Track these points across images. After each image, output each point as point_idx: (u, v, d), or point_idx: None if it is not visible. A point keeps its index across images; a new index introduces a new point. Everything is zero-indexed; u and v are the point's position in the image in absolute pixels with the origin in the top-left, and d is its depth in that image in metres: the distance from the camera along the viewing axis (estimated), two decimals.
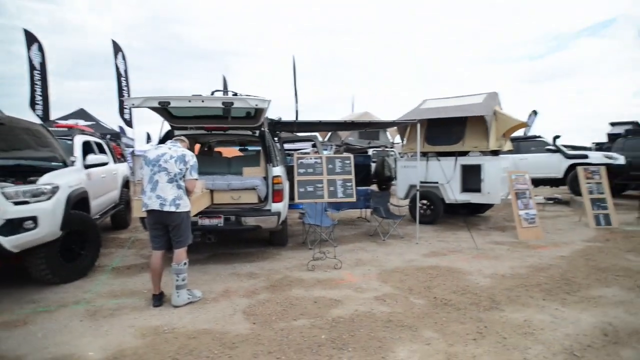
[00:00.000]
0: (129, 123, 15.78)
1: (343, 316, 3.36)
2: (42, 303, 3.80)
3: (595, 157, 10.05)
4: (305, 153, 7.96)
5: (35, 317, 3.46)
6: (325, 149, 14.64)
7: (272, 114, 5.81)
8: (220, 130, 5.32)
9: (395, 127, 8.20)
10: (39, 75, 13.51)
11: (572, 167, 9.87)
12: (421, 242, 6.13)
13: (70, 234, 4.35)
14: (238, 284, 4.28)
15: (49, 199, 3.97)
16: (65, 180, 4.32)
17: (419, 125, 6.09)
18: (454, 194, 7.05)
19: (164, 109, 5.01)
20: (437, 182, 7.33)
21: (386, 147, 13.19)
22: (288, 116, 6.06)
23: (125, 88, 15.67)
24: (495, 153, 7.29)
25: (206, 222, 4.83)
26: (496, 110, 7.10)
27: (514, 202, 6.42)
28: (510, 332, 3.01)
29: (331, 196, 4.97)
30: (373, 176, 12.76)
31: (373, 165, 12.43)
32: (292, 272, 4.69)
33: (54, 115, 14.59)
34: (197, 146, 7.46)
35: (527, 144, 11.11)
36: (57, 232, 4.07)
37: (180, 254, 3.64)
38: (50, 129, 4.74)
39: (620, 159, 9.97)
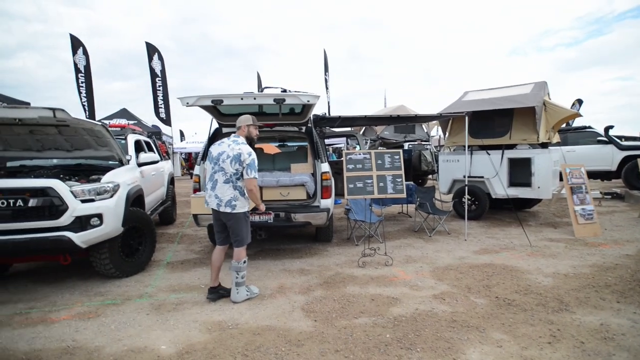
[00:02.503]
0: (165, 121, 16.30)
1: (404, 315, 3.31)
2: (109, 296, 3.97)
3: None
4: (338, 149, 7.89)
5: (104, 310, 3.62)
6: (358, 144, 14.54)
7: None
8: (268, 127, 5.35)
9: (435, 120, 7.96)
10: (83, 77, 14.17)
11: (626, 160, 9.28)
12: (469, 238, 5.95)
13: (129, 230, 4.53)
14: (291, 280, 4.31)
15: (111, 196, 4.15)
16: (124, 178, 4.49)
17: (467, 118, 5.88)
18: (500, 188, 6.79)
19: (213, 107, 5.09)
20: (482, 177, 7.09)
21: (422, 141, 12.91)
22: (318, 112, 6.00)
23: (160, 88, 16.11)
24: (544, 146, 6.95)
25: (256, 218, 4.88)
26: (546, 100, 6.76)
27: (569, 197, 6.10)
28: (588, 337, 2.86)
29: (381, 192, 4.90)
30: (410, 171, 12.56)
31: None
32: (343, 268, 4.68)
33: (98, 115, 15.30)
34: None
35: (575, 135, 10.54)
36: (120, 229, 4.24)
37: (240, 252, 3.69)
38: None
39: None
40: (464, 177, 7.18)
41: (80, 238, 3.84)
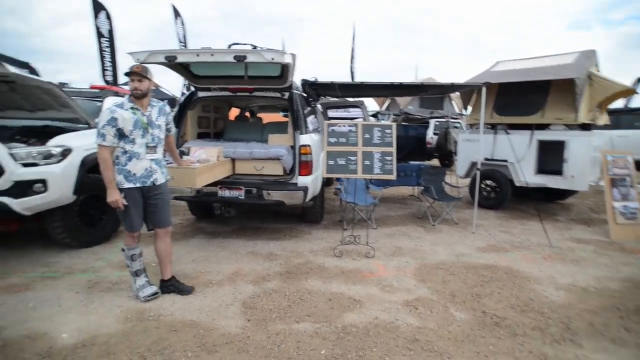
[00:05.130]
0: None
1: (357, 325, 2.69)
2: (53, 267, 3.69)
3: None
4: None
5: (38, 283, 3.32)
6: (383, 118, 13.56)
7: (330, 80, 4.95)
8: (246, 92, 4.73)
9: (459, 95, 6.91)
10: (107, 42, 14.07)
11: None
12: (479, 231, 5.11)
13: (91, 198, 4.19)
14: (251, 265, 3.80)
15: (59, 161, 3.77)
16: (82, 142, 4.09)
17: (484, 90, 4.90)
18: (525, 175, 5.79)
19: (184, 68, 4.54)
20: (505, 160, 6.09)
21: (451, 118, 11.72)
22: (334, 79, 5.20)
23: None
24: (585, 127, 5.79)
25: (226, 193, 4.38)
26: (592, 72, 5.56)
27: (608, 191, 5.03)
28: None
29: (366, 171, 4.18)
30: (434, 150, 11.52)
31: (434, 137, 11.15)
32: (317, 256, 4.10)
33: (122, 81, 15.30)
34: (235, 110, 7.04)
35: (630, 117, 8.98)
36: (71, 197, 3.90)
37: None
38: (72, 89, 4.54)
39: None
40: (486, 159, 6.27)
41: (20, 204, 3.52)
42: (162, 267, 3.18)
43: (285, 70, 4.20)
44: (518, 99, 6.01)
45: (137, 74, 2.83)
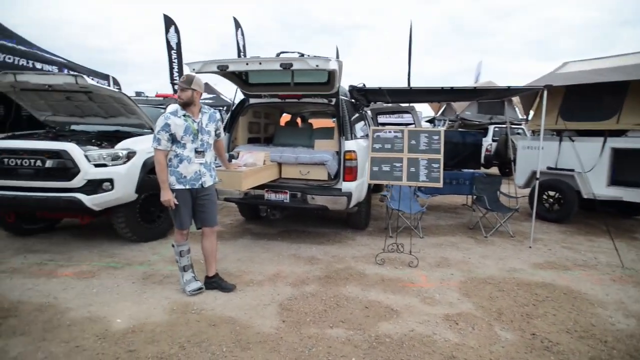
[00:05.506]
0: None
1: (391, 335, 2.62)
2: (117, 258, 4.06)
3: None
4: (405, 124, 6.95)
5: (102, 272, 3.68)
6: (438, 124, 13.07)
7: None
8: (295, 99, 4.86)
9: (511, 96, 6.43)
10: (175, 54, 15.34)
11: None
12: (536, 245, 4.71)
13: (151, 197, 4.56)
14: (292, 268, 3.87)
15: (124, 163, 4.17)
16: (144, 146, 4.47)
17: (545, 93, 4.52)
18: (596, 186, 5.22)
19: (238, 76, 4.79)
20: (572, 170, 5.55)
21: (513, 124, 10.95)
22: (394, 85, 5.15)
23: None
24: None
25: (272, 196, 4.52)
26: None
27: None
28: None
29: (411, 179, 4.06)
30: (493, 157, 10.87)
31: (493, 144, 10.51)
32: (358, 263, 4.06)
33: None
34: (286, 116, 7.24)
35: None
36: (133, 195, 4.28)
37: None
38: (141, 97, 4.99)
39: None
40: (549, 168, 5.78)
41: (91, 200, 3.95)
42: (207, 264, 3.36)
43: (331, 76, 4.25)
44: (588, 102, 5.46)
45: (179, 84, 3.07)
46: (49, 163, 3.88)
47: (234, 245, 4.60)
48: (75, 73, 4.03)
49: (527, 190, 6.38)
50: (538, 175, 4.74)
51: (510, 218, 5.38)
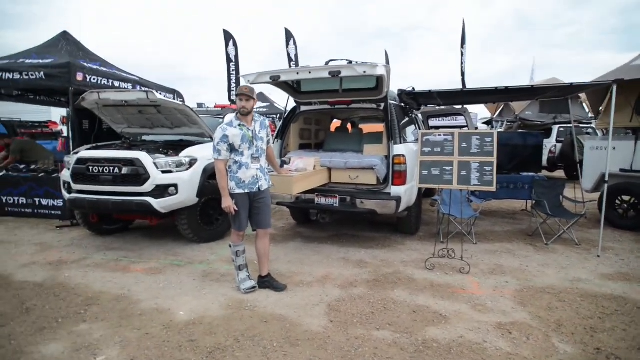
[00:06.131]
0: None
1: (439, 340, 2.59)
2: (180, 257, 4.44)
3: None
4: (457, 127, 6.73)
5: (168, 269, 4.05)
6: (496, 125, 12.43)
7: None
8: (344, 105, 4.97)
9: (576, 93, 5.93)
10: (234, 66, 16.26)
11: None
12: (606, 254, 4.33)
13: (210, 201, 4.91)
14: (341, 271, 3.95)
15: (187, 169, 4.56)
16: (205, 153, 4.85)
17: (614, 88, 4.15)
18: None
19: (290, 85, 5.01)
20: None
21: (581, 123, 10.10)
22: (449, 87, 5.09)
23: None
24: None
25: (322, 201, 4.65)
26: None
27: None
28: None
29: (462, 182, 3.96)
30: (558, 160, 10.09)
31: (558, 145, 9.76)
32: (407, 267, 4.04)
33: None
34: (336, 122, 7.37)
35: None
36: (194, 199, 4.65)
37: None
38: (202, 109, 5.41)
39: None
40: (622, 170, 5.27)
41: (159, 204, 4.37)
42: (260, 265, 3.57)
43: (380, 82, 4.30)
44: None
45: (245, 94, 3.28)
46: (124, 170, 4.37)
47: (285, 247, 4.80)
48: (146, 89, 4.52)
49: (597, 195, 5.87)
50: (607, 179, 4.36)
51: (576, 225, 4.99)
